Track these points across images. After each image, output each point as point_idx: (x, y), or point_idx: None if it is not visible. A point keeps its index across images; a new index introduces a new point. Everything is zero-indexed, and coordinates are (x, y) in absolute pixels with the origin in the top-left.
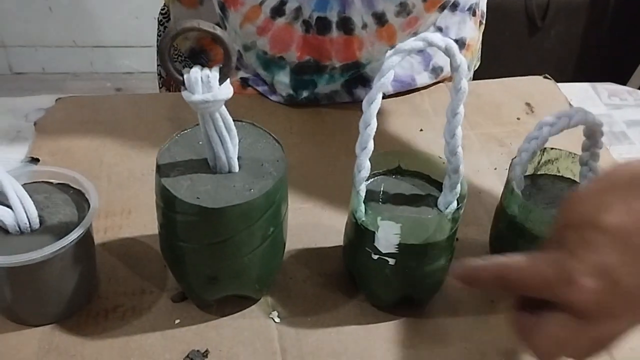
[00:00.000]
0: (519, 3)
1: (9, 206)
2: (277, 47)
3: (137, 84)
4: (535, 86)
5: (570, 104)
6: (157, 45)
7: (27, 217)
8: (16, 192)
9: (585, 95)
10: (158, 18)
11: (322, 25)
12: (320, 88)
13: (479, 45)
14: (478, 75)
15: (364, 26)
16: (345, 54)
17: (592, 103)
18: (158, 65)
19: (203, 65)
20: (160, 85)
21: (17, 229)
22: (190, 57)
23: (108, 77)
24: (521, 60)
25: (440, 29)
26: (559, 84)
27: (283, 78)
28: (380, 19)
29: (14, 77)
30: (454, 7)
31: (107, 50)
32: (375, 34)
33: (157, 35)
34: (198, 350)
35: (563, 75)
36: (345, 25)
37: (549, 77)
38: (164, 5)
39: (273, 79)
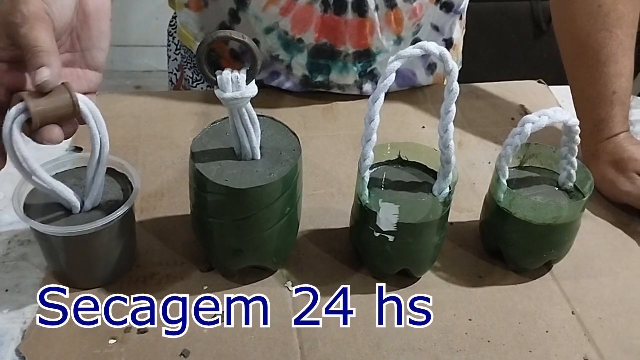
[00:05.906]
0: (524, 7)
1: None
2: (298, 27)
3: (155, 81)
4: (530, 90)
5: (560, 106)
6: (168, 52)
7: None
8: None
9: None
10: (168, 30)
11: (339, 6)
12: (334, 77)
13: (461, 48)
14: (485, 76)
15: (376, 8)
16: (358, 37)
17: None
18: (169, 73)
19: (214, 62)
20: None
21: (79, 209)
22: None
23: (128, 75)
24: (527, 63)
25: (436, 28)
26: (555, 87)
27: (301, 60)
28: (390, 1)
29: None
30: (449, 8)
31: (128, 49)
32: (385, 18)
33: (167, 45)
34: None
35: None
36: (360, 6)
37: (543, 82)
38: (173, 17)
39: (292, 59)
